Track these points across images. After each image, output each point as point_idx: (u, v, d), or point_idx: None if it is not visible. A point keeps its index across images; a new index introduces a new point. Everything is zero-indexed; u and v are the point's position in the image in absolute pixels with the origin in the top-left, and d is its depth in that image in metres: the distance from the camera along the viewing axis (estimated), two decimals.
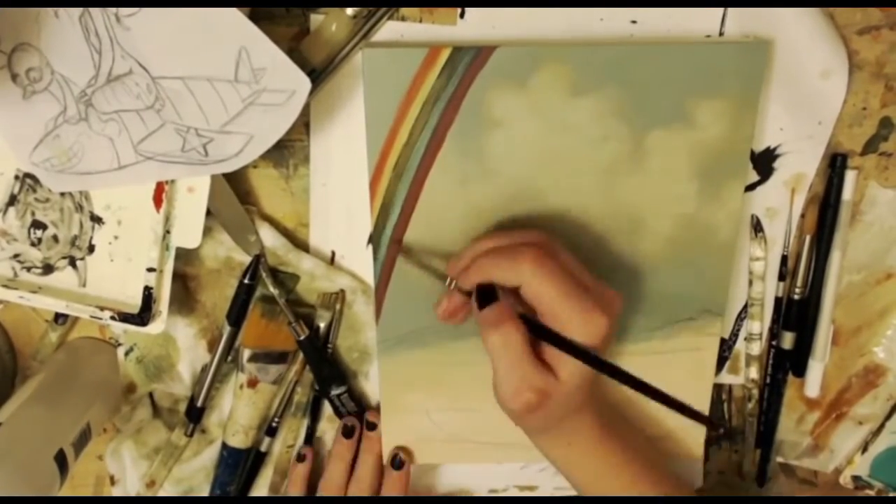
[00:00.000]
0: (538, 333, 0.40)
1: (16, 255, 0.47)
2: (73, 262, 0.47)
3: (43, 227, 0.46)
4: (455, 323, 0.45)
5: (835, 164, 0.47)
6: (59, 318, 0.51)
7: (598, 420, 0.43)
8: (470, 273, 0.41)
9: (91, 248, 0.46)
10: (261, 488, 0.53)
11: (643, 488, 0.44)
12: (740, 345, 0.51)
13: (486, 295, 0.40)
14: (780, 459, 0.55)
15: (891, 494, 0.53)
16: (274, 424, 0.52)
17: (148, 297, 0.44)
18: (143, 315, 0.44)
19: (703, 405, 0.51)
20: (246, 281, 0.48)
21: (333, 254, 0.49)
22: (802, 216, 0.49)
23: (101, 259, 0.46)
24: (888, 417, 0.52)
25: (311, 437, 0.53)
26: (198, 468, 0.53)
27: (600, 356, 0.39)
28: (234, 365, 0.51)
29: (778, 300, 0.50)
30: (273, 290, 0.47)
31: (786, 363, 0.52)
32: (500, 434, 0.52)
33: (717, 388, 0.53)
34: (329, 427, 0.53)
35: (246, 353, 0.49)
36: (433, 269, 0.45)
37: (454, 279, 0.42)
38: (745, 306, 0.50)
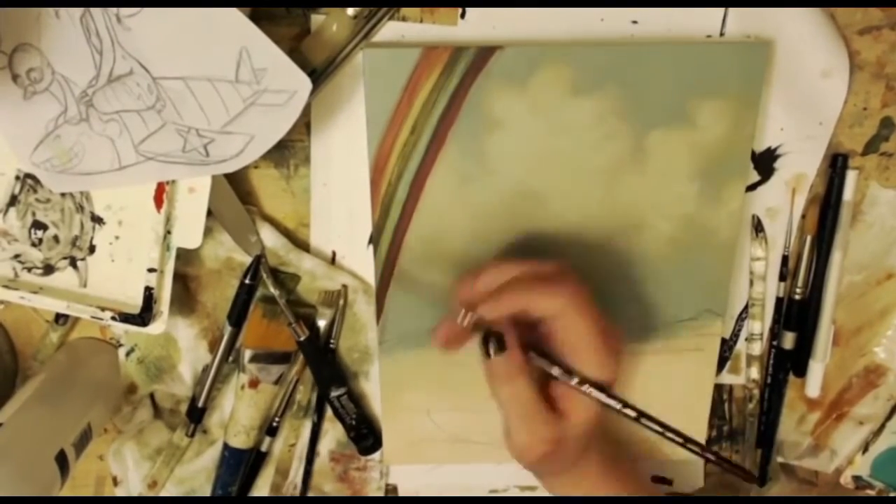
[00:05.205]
0: (551, 366, 0.39)
1: (16, 256, 0.47)
2: (73, 263, 0.47)
3: (44, 227, 0.46)
4: (453, 350, 0.42)
5: (836, 165, 0.47)
6: (60, 318, 0.51)
7: (603, 458, 0.43)
8: (499, 302, 0.38)
9: (92, 249, 0.46)
10: (262, 488, 0.53)
11: None
12: (741, 345, 0.51)
13: (493, 341, 0.39)
14: (780, 459, 0.55)
15: (891, 495, 0.53)
16: (275, 424, 0.52)
17: (149, 297, 0.44)
18: (144, 315, 0.44)
19: (703, 405, 0.51)
20: (247, 281, 0.48)
21: (334, 254, 0.49)
22: (803, 216, 0.49)
23: (101, 259, 0.46)
24: (889, 417, 0.52)
25: (316, 436, 0.52)
26: (199, 469, 0.53)
27: (613, 393, 0.39)
28: (235, 365, 0.51)
29: (779, 300, 0.50)
30: (274, 291, 0.47)
31: (786, 363, 0.52)
32: (500, 434, 0.52)
33: (718, 388, 0.53)
34: (330, 426, 0.53)
35: (247, 354, 0.49)
36: (431, 293, 0.43)
37: (470, 308, 0.39)
38: (746, 306, 0.50)
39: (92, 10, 0.38)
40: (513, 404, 0.39)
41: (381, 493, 0.55)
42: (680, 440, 0.40)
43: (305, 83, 0.39)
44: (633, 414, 0.39)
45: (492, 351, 0.39)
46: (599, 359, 0.38)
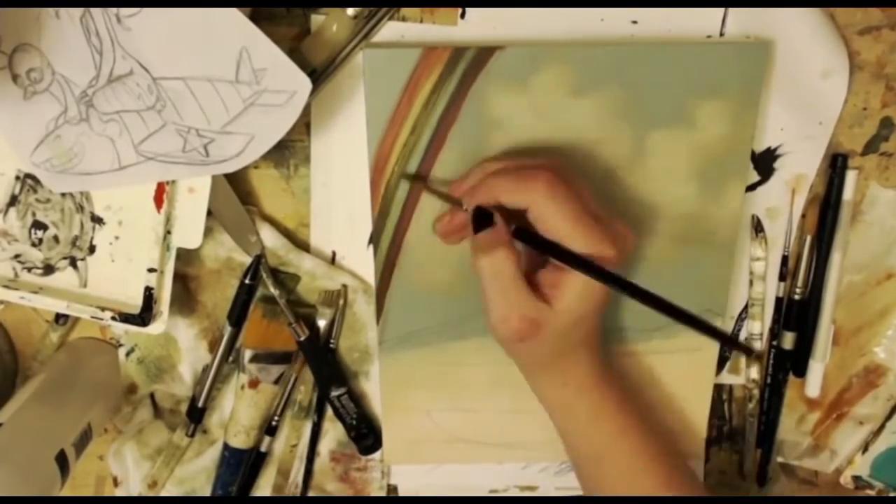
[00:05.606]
0: (539, 246, 0.39)
1: (17, 256, 0.47)
2: (73, 263, 0.47)
3: (44, 227, 0.46)
4: (451, 241, 0.44)
5: (835, 165, 0.47)
6: (60, 318, 0.51)
7: (596, 362, 0.43)
8: (477, 192, 0.40)
9: (92, 249, 0.46)
10: (264, 488, 0.53)
11: (634, 439, 0.43)
12: None
13: (483, 219, 0.40)
14: (780, 459, 0.55)
15: (891, 494, 0.53)
16: (274, 424, 0.52)
17: (149, 297, 0.44)
18: (144, 315, 0.44)
19: (703, 405, 0.51)
20: (247, 281, 0.48)
21: (334, 254, 0.49)
22: (803, 216, 0.49)
23: (101, 259, 0.46)
24: (889, 417, 0.52)
25: (316, 436, 0.53)
26: (200, 469, 0.53)
27: (605, 268, 0.38)
28: (235, 365, 0.51)
29: (778, 300, 0.50)
30: (274, 291, 0.47)
31: (786, 363, 0.52)
32: (500, 434, 0.52)
33: (718, 388, 0.53)
34: (331, 426, 0.53)
35: (247, 354, 0.49)
36: (446, 194, 0.44)
37: (459, 199, 0.42)
38: (746, 306, 0.50)
39: (92, 10, 0.38)
40: (492, 275, 0.39)
41: (382, 493, 0.55)
42: (685, 318, 0.38)
43: (305, 83, 0.39)
44: (625, 290, 0.38)
45: (478, 225, 0.40)
46: (583, 249, 0.38)
